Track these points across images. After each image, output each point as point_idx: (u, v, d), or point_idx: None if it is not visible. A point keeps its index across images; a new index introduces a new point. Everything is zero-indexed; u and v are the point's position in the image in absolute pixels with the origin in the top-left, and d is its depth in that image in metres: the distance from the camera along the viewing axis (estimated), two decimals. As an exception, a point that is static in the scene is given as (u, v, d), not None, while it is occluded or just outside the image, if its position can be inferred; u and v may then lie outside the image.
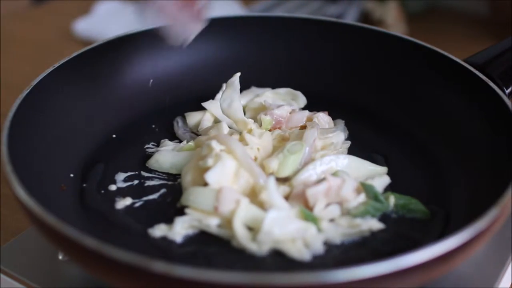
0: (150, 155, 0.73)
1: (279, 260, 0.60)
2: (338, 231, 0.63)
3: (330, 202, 0.64)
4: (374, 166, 0.70)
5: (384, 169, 0.70)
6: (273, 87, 0.83)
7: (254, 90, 0.82)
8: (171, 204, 0.67)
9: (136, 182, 0.70)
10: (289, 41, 0.88)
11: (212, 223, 0.62)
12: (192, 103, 0.80)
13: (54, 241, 0.57)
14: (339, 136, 0.72)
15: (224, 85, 0.76)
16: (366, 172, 0.69)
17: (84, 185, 0.70)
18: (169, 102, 0.81)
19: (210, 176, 0.63)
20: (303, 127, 0.74)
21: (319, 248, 0.61)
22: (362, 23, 0.92)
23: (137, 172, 0.71)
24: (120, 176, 0.71)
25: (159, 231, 0.63)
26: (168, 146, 0.74)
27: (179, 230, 0.63)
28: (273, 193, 0.62)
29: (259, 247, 0.60)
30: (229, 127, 0.74)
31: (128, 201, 0.67)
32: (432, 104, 0.78)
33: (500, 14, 1.27)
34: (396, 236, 0.64)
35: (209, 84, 0.82)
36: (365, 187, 0.66)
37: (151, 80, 0.80)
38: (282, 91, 0.82)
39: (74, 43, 1.26)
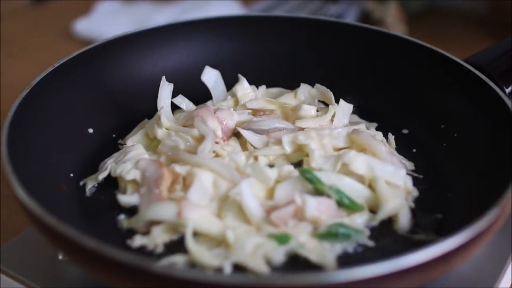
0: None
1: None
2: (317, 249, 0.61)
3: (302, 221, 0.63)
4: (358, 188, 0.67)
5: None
6: (273, 86, 0.83)
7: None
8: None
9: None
10: (289, 41, 0.87)
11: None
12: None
13: (54, 241, 0.57)
14: (340, 135, 0.72)
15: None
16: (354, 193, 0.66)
17: (84, 185, 0.70)
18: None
19: (192, 195, 0.63)
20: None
21: (279, 260, 0.60)
22: (362, 23, 0.92)
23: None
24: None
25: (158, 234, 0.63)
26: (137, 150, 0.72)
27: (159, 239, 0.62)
28: (247, 198, 0.62)
29: (221, 263, 0.59)
30: None
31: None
32: (432, 104, 0.78)
33: (500, 14, 1.27)
34: (397, 237, 0.64)
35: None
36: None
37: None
38: (275, 90, 0.82)
39: (74, 43, 1.26)
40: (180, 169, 0.66)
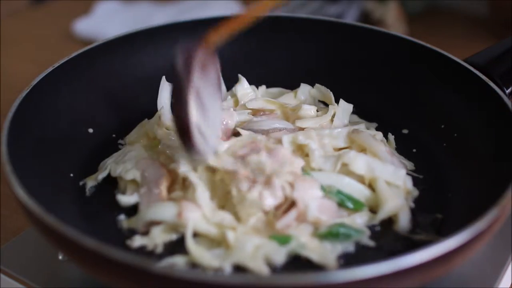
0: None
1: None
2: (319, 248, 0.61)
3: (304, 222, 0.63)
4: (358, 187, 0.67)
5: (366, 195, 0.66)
6: (273, 86, 0.83)
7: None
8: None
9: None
10: (289, 41, 0.87)
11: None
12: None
13: (54, 242, 0.57)
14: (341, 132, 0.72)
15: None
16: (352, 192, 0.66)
17: (84, 185, 0.70)
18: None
19: (191, 196, 0.63)
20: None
21: (280, 261, 0.60)
22: (362, 23, 0.92)
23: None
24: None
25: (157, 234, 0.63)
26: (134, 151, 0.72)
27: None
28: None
29: (221, 264, 0.59)
30: None
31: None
32: (432, 104, 0.78)
33: (500, 14, 1.27)
34: (397, 237, 0.64)
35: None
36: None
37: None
38: (275, 90, 0.82)
39: (74, 43, 1.26)
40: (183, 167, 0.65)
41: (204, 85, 0.63)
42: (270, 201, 0.62)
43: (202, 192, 0.63)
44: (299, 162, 0.65)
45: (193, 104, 0.61)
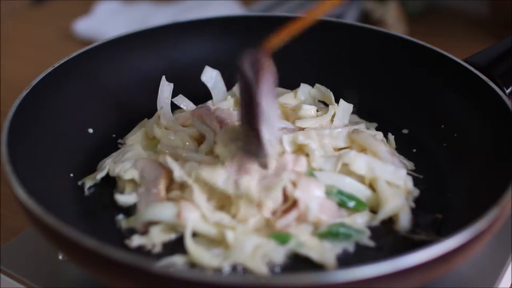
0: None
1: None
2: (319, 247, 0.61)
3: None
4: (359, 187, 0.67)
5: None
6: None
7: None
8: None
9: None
10: (289, 41, 0.87)
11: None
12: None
13: (54, 242, 0.57)
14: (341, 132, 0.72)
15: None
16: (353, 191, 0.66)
17: (84, 185, 0.70)
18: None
19: (190, 196, 0.63)
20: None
21: (279, 260, 0.60)
22: (362, 23, 0.92)
23: (137, 172, 0.71)
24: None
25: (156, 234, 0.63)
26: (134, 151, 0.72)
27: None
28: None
29: (220, 264, 0.59)
30: None
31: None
32: (432, 104, 0.78)
33: (500, 14, 1.27)
34: (397, 237, 0.64)
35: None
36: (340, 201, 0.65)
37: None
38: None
39: (74, 43, 1.26)
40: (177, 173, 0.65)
41: (266, 92, 0.62)
42: (270, 205, 0.62)
43: (199, 194, 0.63)
44: (303, 161, 0.65)
45: (264, 109, 0.60)
